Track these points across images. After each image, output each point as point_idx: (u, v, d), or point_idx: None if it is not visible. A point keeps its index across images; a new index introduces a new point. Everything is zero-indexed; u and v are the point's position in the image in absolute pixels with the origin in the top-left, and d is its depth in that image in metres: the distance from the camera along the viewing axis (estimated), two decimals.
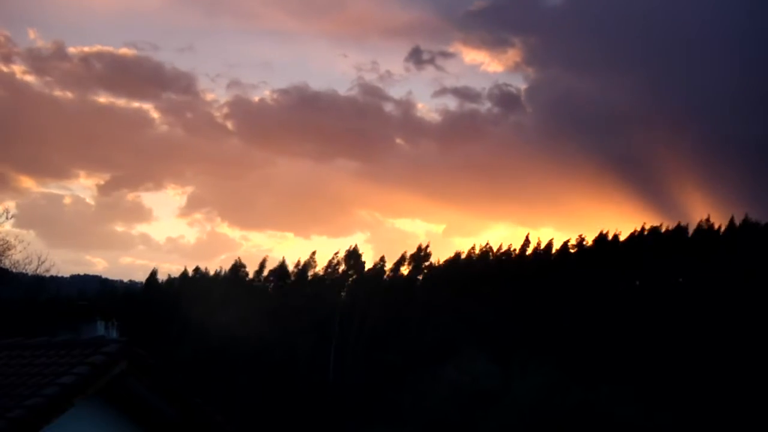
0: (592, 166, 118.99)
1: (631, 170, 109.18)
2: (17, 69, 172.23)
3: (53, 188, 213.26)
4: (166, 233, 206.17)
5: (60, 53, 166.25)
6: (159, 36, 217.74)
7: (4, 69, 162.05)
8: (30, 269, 46.93)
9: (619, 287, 73.26)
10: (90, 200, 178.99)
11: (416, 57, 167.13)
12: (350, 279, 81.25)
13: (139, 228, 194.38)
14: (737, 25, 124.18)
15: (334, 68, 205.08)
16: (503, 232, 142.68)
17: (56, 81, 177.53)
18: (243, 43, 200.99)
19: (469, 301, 71.84)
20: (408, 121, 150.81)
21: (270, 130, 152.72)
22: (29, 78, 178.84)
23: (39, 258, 47.24)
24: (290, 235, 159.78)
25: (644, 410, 54.06)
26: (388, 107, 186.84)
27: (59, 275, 71.36)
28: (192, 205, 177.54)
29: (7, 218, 44.90)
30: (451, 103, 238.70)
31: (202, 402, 12.64)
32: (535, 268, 76.58)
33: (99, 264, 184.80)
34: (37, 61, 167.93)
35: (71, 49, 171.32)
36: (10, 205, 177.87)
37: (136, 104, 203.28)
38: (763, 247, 69.12)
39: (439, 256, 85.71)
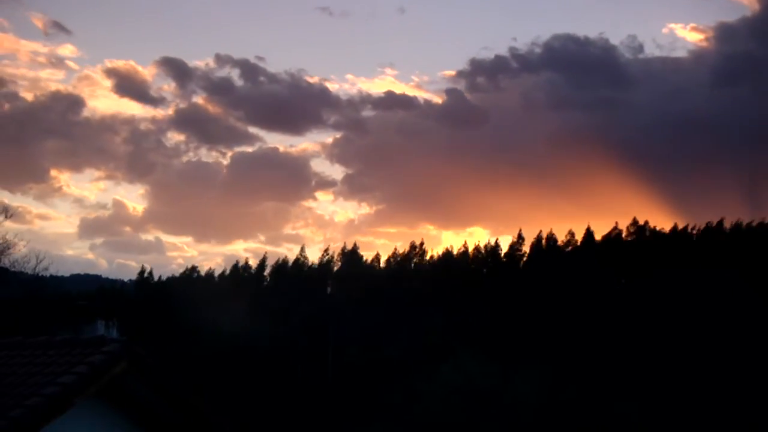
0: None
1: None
2: None
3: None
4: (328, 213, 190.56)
5: None
6: None
7: None
8: (29, 268, 46.84)
9: (613, 285, 73.37)
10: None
11: None
12: (346, 276, 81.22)
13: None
14: None
15: None
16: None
17: None
18: None
19: (465, 299, 71.84)
20: None
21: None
22: None
23: (38, 257, 47.15)
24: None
25: (642, 406, 54.14)
26: None
27: (59, 274, 71.19)
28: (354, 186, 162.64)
29: (6, 216, 44.71)
30: None
31: (202, 401, 12.65)
32: (528, 265, 76.63)
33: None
34: None
35: None
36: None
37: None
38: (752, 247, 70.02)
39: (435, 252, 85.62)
